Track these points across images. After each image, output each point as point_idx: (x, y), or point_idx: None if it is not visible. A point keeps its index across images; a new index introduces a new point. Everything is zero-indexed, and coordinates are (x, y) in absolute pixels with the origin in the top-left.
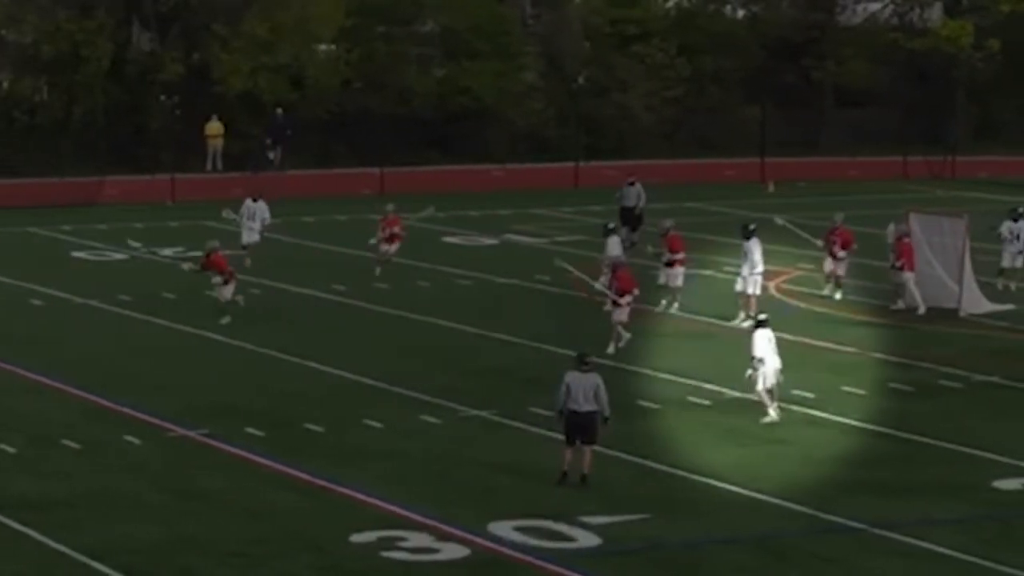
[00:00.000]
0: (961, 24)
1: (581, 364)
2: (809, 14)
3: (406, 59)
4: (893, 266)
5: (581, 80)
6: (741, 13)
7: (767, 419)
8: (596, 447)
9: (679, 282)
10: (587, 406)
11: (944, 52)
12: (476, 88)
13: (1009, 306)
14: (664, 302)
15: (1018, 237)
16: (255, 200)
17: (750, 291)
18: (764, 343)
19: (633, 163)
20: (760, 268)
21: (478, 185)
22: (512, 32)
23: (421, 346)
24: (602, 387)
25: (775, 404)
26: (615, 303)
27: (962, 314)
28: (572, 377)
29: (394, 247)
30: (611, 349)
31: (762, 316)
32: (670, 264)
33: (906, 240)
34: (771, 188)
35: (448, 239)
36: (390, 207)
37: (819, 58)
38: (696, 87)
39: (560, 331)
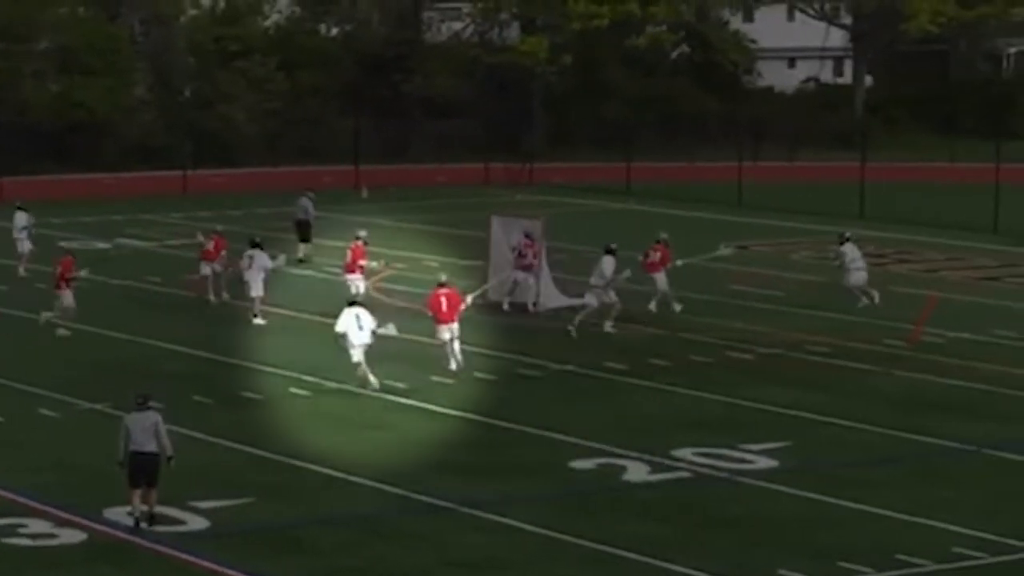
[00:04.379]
0: (537, 40)
1: (137, 405)
2: (398, 32)
3: (23, 74)
4: (526, 266)
5: (187, 93)
6: (335, 31)
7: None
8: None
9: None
10: (148, 446)
11: (522, 66)
12: (89, 102)
13: (581, 300)
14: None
15: (845, 257)
16: (22, 209)
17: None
18: (349, 320)
19: (237, 171)
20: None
21: (92, 192)
22: (122, 50)
23: (39, 344)
24: (161, 425)
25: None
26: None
27: (539, 308)
28: (131, 419)
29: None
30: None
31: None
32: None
33: (527, 241)
34: (365, 194)
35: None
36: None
37: (408, 72)
38: (295, 100)
39: (168, 329)
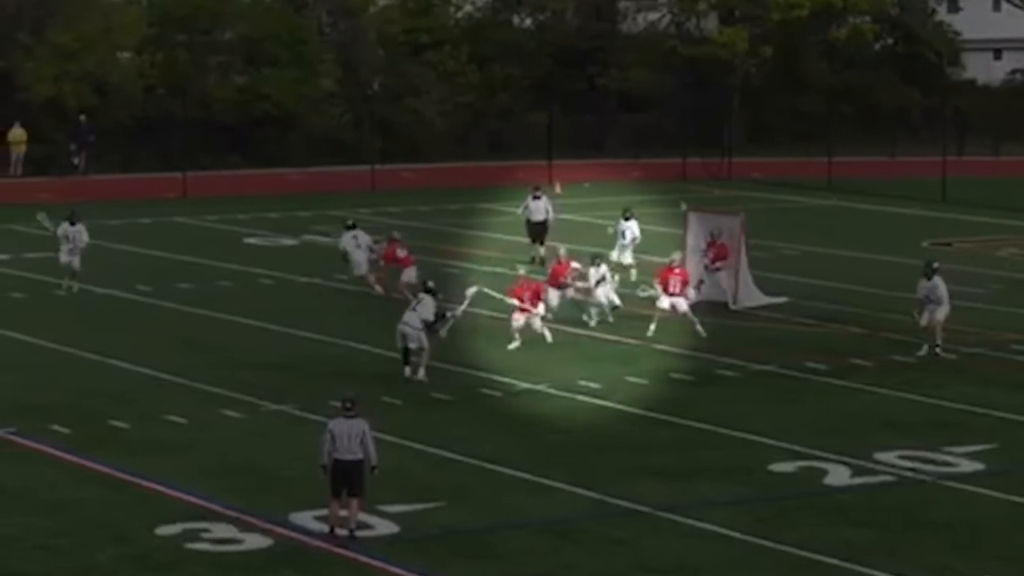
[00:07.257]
0: (736, 31)
1: (344, 410)
2: (593, 23)
3: (207, 66)
4: (707, 266)
5: (376, 86)
6: (528, 22)
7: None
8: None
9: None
10: (353, 455)
11: (720, 59)
12: (275, 94)
13: (783, 299)
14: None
15: (623, 234)
16: (73, 224)
17: None
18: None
19: (427, 166)
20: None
21: (278, 188)
22: (309, 40)
23: (223, 343)
24: (368, 433)
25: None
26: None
27: (738, 307)
28: (336, 424)
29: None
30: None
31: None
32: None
33: (720, 241)
34: (559, 189)
35: (249, 240)
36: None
37: (603, 65)
38: (486, 93)
39: (358, 328)
